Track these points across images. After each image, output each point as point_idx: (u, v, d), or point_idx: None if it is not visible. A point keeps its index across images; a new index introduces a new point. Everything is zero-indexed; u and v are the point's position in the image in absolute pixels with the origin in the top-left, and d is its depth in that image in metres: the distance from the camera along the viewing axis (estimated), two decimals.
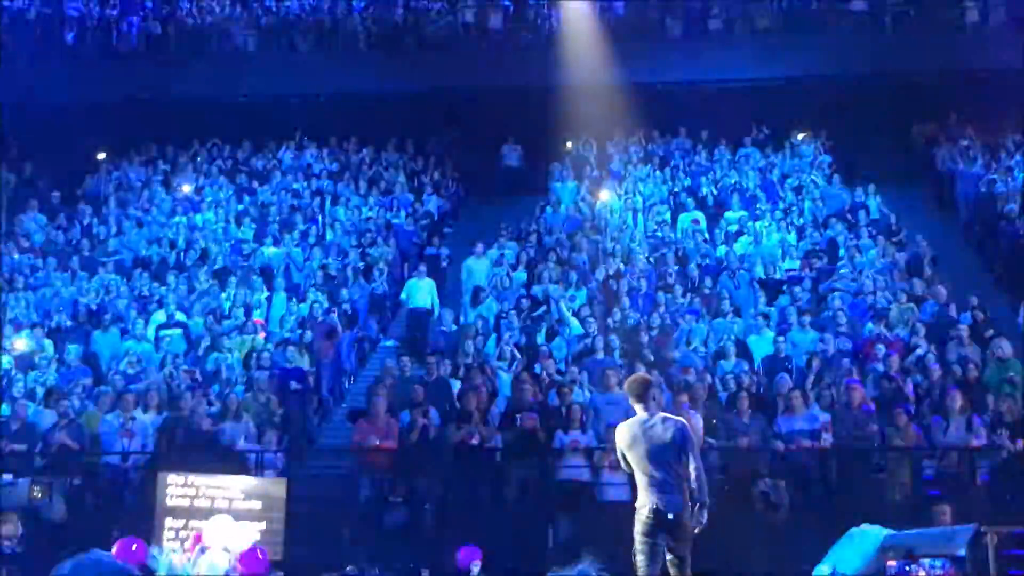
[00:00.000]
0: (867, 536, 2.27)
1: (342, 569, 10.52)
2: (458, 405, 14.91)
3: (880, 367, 15.13)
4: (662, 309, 17.52)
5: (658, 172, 23.40)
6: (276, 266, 19.99)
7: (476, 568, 10.15)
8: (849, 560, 2.25)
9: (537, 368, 15.88)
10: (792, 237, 20.30)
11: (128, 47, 25.88)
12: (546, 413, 14.51)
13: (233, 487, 12.33)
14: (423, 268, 19.30)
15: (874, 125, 23.52)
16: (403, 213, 22.41)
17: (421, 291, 18.84)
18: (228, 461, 13.80)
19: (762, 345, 16.37)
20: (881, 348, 15.45)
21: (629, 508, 13.63)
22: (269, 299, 18.80)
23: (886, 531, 2.35)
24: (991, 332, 16.05)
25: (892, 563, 2.40)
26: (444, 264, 20.66)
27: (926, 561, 2.37)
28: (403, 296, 19.15)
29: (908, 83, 23.47)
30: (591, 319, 17.11)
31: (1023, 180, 21.38)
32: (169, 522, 11.83)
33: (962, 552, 2.33)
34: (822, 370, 15.19)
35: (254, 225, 21.87)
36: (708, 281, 18.40)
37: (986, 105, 23.14)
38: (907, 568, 2.34)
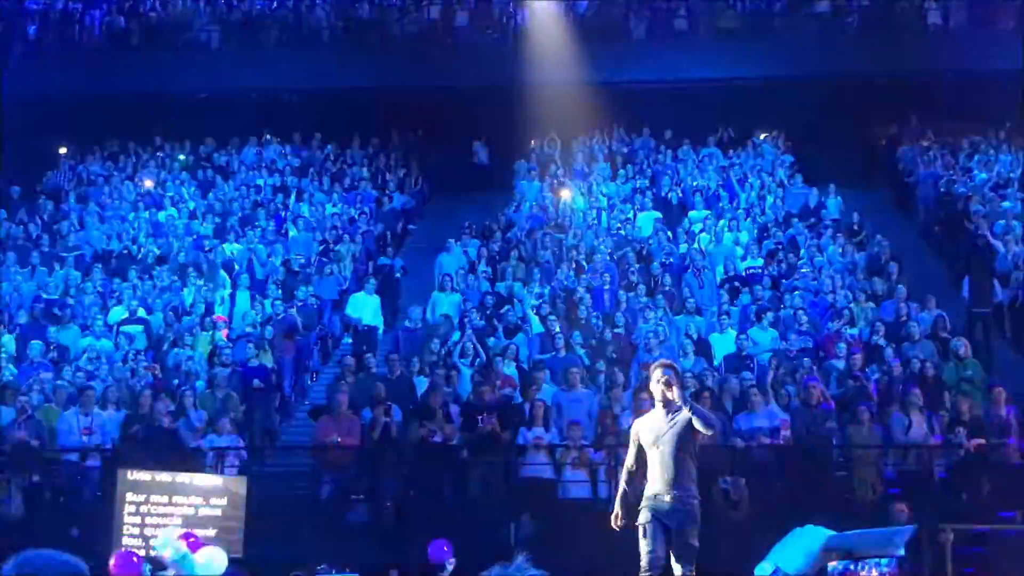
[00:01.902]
0: (809, 536, 2.29)
1: (305, 566, 10.48)
2: (421, 403, 14.90)
3: (841, 365, 15.25)
4: (624, 307, 17.57)
5: (621, 171, 23.47)
6: (239, 262, 19.89)
7: (450, 566, 10.10)
8: (791, 559, 2.26)
9: (499, 365, 15.89)
10: (749, 236, 20.39)
11: (91, 41, 25.69)
12: (508, 410, 14.53)
13: (193, 485, 12.26)
14: (372, 281, 18.90)
15: (836, 126, 23.70)
16: (367, 209, 22.34)
17: (368, 307, 18.47)
18: (188, 458, 13.72)
19: (723, 343, 16.45)
20: (843, 347, 15.57)
21: (591, 505, 13.81)
22: (232, 296, 18.69)
23: (828, 531, 2.38)
24: (950, 331, 16.22)
25: (834, 563, 2.42)
26: (398, 275, 20.09)
27: (871, 561, 2.39)
28: (348, 310, 18.63)
29: (870, 84, 23.68)
30: (553, 317, 17.14)
31: (982, 181, 21.62)
32: (128, 519, 11.76)
33: (901, 552, 2.35)
34: (782, 368, 15.29)
35: (217, 220, 21.76)
36: (668, 279, 18.46)
37: (947, 107, 23.39)
38: (850, 568, 2.36)
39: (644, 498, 7.71)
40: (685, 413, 7.57)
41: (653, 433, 7.64)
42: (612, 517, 7.87)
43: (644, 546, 7.66)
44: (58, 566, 2.67)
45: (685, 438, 7.59)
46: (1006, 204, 20.43)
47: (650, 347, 15.80)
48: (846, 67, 23.61)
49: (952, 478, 13.53)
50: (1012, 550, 11.67)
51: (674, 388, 7.57)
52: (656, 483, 7.62)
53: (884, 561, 2.38)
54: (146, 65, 24.51)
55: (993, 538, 11.84)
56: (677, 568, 7.56)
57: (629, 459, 7.85)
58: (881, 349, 15.64)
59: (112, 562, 8.28)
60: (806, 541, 2.34)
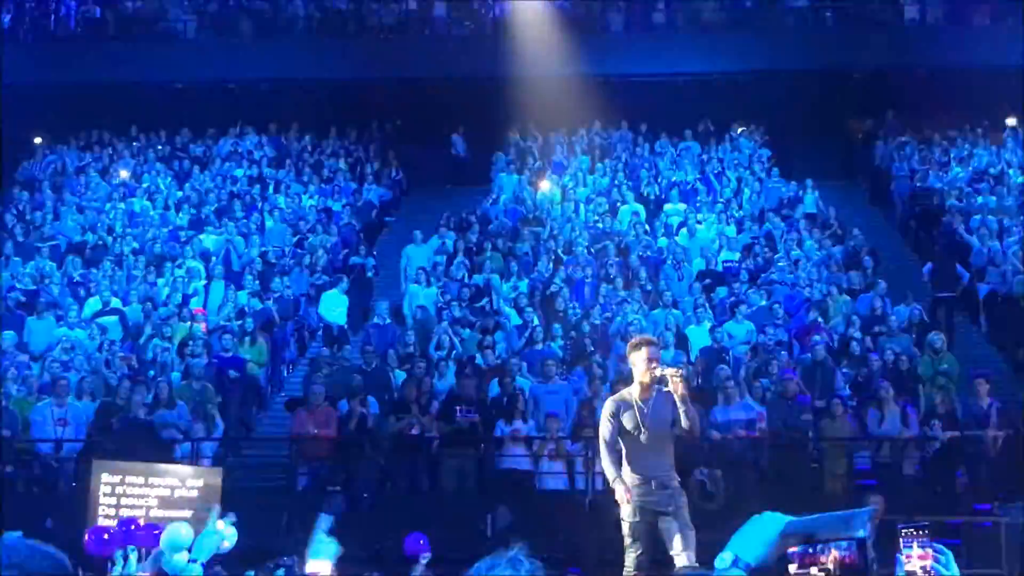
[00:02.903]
0: (768, 522, 2.30)
1: (277, 557, 10.43)
2: (397, 395, 14.88)
3: (810, 356, 15.29)
4: (603, 300, 17.59)
5: (599, 164, 23.47)
6: (215, 253, 19.80)
7: (424, 560, 10.10)
8: (751, 547, 2.26)
9: (477, 358, 15.89)
10: (731, 230, 20.45)
11: (66, 31, 25.50)
12: (486, 403, 14.54)
13: (169, 476, 12.22)
14: (345, 281, 18.76)
15: (813, 120, 23.77)
16: (343, 201, 22.28)
17: (339, 306, 18.33)
18: (164, 449, 13.67)
19: (700, 336, 16.49)
20: (817, 338, 15.61)
21: (568, 497, 13.83)
22: (207, 287, 18.61)
23: (786, 517, 2.39)
24: (926, 325, 16.31)
25: (794, 548, 2.43)
26: (370, 274, 19.93)
27: (831, 544, 2.39)
28: (321, 309, 18.42)
29: (847, 79, 23.77)
30: (530, 309, 17.14)
31: (958, 176, 21.74)
32: (103, 499, 11.71)
33: (861, 534, 2.36)
34: (757, 361, 15.34)
35: (192, 211, 21.66)
36: (644, 273, 18.48)
37: (923, 102, 23.49)
38: (810, 551, 2.38)
39: (631, 484, 7.47)
40: (666, 396, 7.38)
41: (634, 419, 7.43)
42: (621, 494, 7.43)
43: (631, 548, 7.46)
44: (41, 558, 2.64)
45: (668, 425, 7.42)
46: (981, 199, 20.55)
47: (628, 339, 15.79)
48: (823, 62, 23.68)
49: (926, 470, 13.61)
50: (986, 542, 11.74)
51: (680, 386, 7.33)
52: (639, 472, 7.42)
53: (844, 544, 2.38)
54: (122, 55, 24.35)
55: (967, 530, 11.91)
56: (683, 557, 7.18)
57: (613, 438, 7.50)
58: (857, 342, 15.69)
59: (86, 538, 8.24)
60: (764, 528, 2.35)
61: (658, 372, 7.43)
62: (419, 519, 11.64)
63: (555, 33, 23.61)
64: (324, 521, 6.02)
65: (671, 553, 7.30)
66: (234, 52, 24.68)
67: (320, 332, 18.27)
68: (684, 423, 7.34)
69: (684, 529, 7.26)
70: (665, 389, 7.43)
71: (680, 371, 7.49)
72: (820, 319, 16.52)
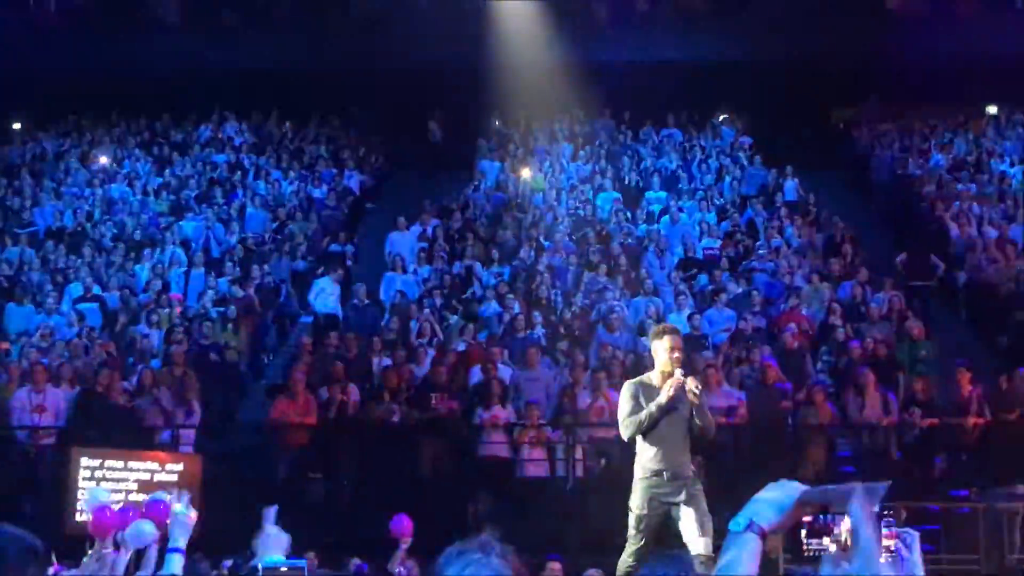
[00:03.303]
0: (784, 489, 2.33)
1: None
2: (379, 383, 14.85)
3: (786, 343, 15.32)
4: (584, 287, 17.60)
5: (582, 151, 23.46)
6: (195, 240, 19.73)
7: (405, 545, 10.10)
8: (766, 513, 2.29)
9: (458, 345, 15.87)
10: (712, 217, 20.47)
11: (47, 17, 25.33)
12: (466, 390, 14.53)
13: (148, 463, 12.17)
14: (339, 271, 18.60)
15: (794, 108, 23.82)
16: (325, 187, 22.20)
17: (332, 294, 18.11)
18: (143, 437, 13.63)
19: (680, 323, 16.50)
20: (793, 326, 15.64)
21: (548, 484, 13.85)
22: (187, 273, 18.55)
23: (803, 486, 2.42)
24: (904, 312, 16.36)
25: (808, 517, 2.46)
26: (350, 263, 19.74)
27: (843, 515, 2.42)
28: (311, 296, 18.18)
29: (829, 67, 23.77)
30: (511, 296, 17.13)
31: (938, 163, 21.81)
32: (83, 483, 11.66)
33: (876, 508, 2.38)
34: (736, 348, 15.37)
35: (172, 197, 21.58)
36: (624, 259, 18.49)
37: (904, 90, 23.57)
38: (822, 521, 2.40)
39: (640, 476, 7.41)
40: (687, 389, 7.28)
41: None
42: (670, 388, 7.30)
43: (635, 540, 7.36)
44: (18, 541, 2.64)
45: (686, 416, 7.39)
46: (961, 187, 20.62)
47: (610, 326, 15.85)
48: (805, 49, 23.69)
49: (905, 457, 13.67)
50: (963, 527, 11.82)
51: (698, 391, 7.30)
52: (656, 459, 7.34)
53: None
54: (102, 42, 24.22)
55: (945, 516, 11.98)
56: (700, 543, 7.16)
57: (634, 413, 7.38)
58: (836, 329, 15.74)
59: (91, 518, 8.17)
60: (781, 495, 2.37)
61: (679, 374, 7.35)
62: (400, 507, 11.62)
63: (538, 20, 23.58)
64: (270, 514, 6.01)
65: (685, 540, 7.24)
66: (215, 39, 24.57)
67: (310, 320, 18.25)
68: (698, 422, 7.37)
69: (701, 516, 7.25)
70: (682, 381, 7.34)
71: (696, 382, 7.40)
72: (799, 306, 16.55)
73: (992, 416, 13.53)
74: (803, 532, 2.81)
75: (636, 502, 7.35)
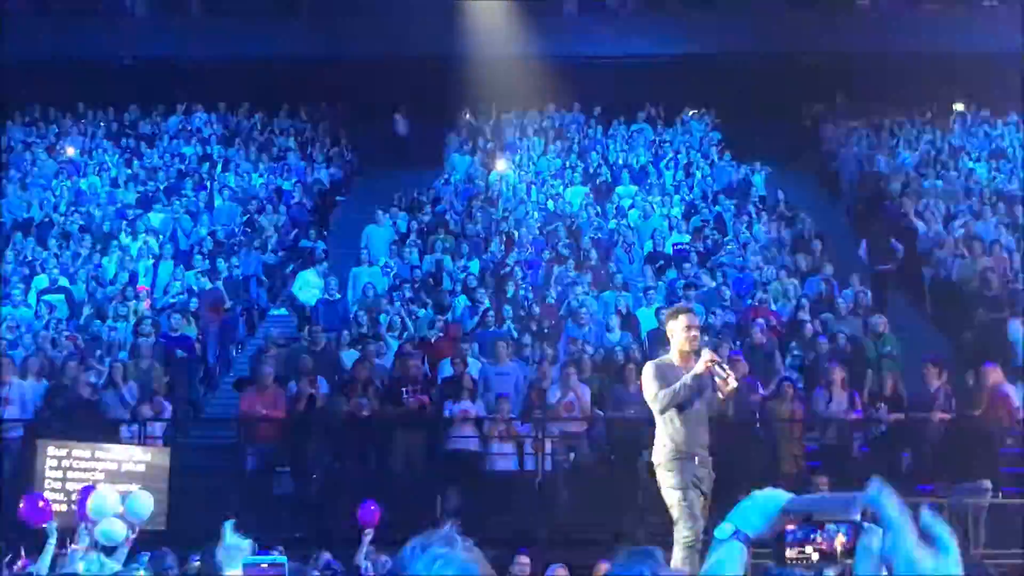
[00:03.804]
0: (769, 498, 2.34)
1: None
2: (348, 376, 14.81)
3: (750, 339, 15.38)
4: (554, 281, 17.62)
5: (552, 145, 23.47)
6: (163, 232, 19.60)
7: (368, 537, 10.10)
8: (751, 521, 2.30)
9: (428, 339, 15.86)
10: (681, 212, 20.52)
11: (12, 5, 25.06)
12: (435, 384, 14.53)
13: (115, 456, 12.10)
14: (325, 264, 18.55)
15: (763, 103, 23.88)
16: (294, 180, 22.09)
17: (315, 287, 18.02)
18: (111, 430, 13.54)
19: (649, 318, 16.56)
20: (762, 322, 15.71)
21: (517, 478, 13.86)
22: (155, 265, 18.43)
23: (787, 494, 2.44)
24: (870, 308, 16.47)
25: (792, 527, 2.46)
26: (319, 259, 19.21)
27: (831, 527, 2.42)
28: (295, 289, 18.17)
29: (798, 63, 23.88)
30: (482, 290, 17.12)
31: (905, 160, 21.96)
32: (50, 473, 11.59)
33: (857, 519, 2.40)
34: (705, 343, 15.39)
35: (141, 189, 21.43)
36: (594, 254, 18.52)
37: (872, 86, 23.71)
38: (810, 535, 2.40)
39: (676, 456, 7.20)
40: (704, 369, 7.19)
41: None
42: (704, 363, 7.19)
43: (689, 519, 7.13)
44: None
45: (711, 396, 7.34)
46: (928, 183, 20.77)
47: (579, 321, 15.89)
48: (775, 45, 23.80)
49: (872, 452, 13.76)
50: None
51: (725, 368, 7.18)
52: (690, 441, 7.20)
53: (844, 528, 2.42)
54: (69, 31, 24.01)
55: (910, 511, 12.06)
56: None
57: (671, 403, 7.22)
58: (805, 324, 15.82)
59: (21, 505, 8.12)
60: (765, 503, 2.38)
61: (687, 340, 7.27)
62: (370, 499, 11.62)
63: (508, 13, 23.55)
64: (227, 526, 6.00)
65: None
66: (183, 29, 24.43)
67: (287, 309, 18.19)
68: (721, 395, 7.30)
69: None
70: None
71: (714, 356, 7.31)
72: (767, 301, 16.63)
73: (958, 412, 13.64)
74: (786, 540, 2.82)
75: (676, 481, 7.14)
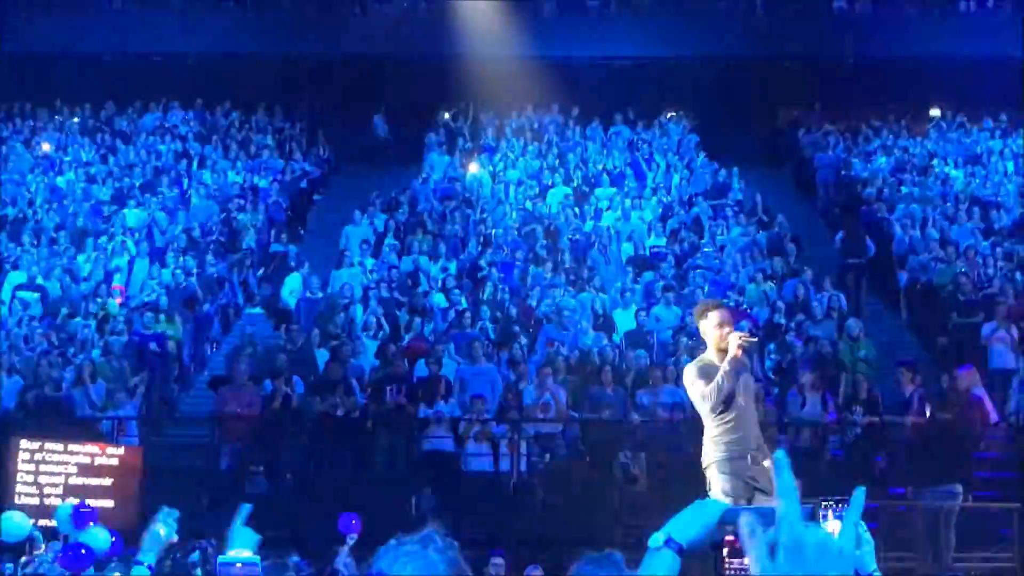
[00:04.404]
0: (708, 508, 2.31)
1: (196, 540, 10.32)
2: (322, 375, 14.78)
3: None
4: (531, 282, 17.62)
5: (531, 147, 23.45)
6: (138, 230, 19.49)
7: (351, 541, 10.05)
8: (686, 530, 2.27)
9: (404, 339, 15.83)
10: (658, 214, 20.53)
11: None
12: (411, 384, 14.50)
13: (87, 457, 12.02)
14: (307, 266, 18.43)
15: (741, 107, 23.97)
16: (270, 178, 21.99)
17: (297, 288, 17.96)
18: (83, 428, 13.47)
19: (628, 319, 16.58)
20: (746, 322, 15.75)
21: (492, 479, 13.86)
22: (130, 263, 18.33)
23: (725, 504, 2.39)
24: (845, 312, 16.54)
25: (730, 537, 2.44)
26: (292, 264, 19.04)
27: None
28: (285, 292, 18.01)
29: (776, 66, 23.99)
30: (458, 291, 17.10)
31: (881, 165, 22.05)
32: (21, 476, 11.52)
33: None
34: (681, 345, 15.44)
35: (116, 185, 21.31)
36: (570, 256, 18.54)
37: (849, 91, 23.81)
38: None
39: (729, 457, 6.70)
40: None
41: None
42: (736, 347, 6.79)
43: None
44: None
45: (756, 387, 7.14)
46: (905, 189, 20.87)
47: (556, 322, 15.90)
48: (754, 50, 23.90)
49: (846, 455, 13.81)
50: (902, 525, 11.97)
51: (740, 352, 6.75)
52: (742, 441, 6.72)
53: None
54: (45, 25, 23.85)
55: (884, 513, 12.11)
56: None
57: (719, 400, 6.76)
58: (781, 327, 15.87)
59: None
60: (704, 513, 2.36)
61: (720, 338, 6.85)
62: (342, 501, 11.58)
63: (488, 14, 23.54)
64: (243, 510, 5.94)
65: None
66: (161, 24, 24.29)
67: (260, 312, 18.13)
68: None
69: None
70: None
71: (745, 335, 6.92)
72: (743, 304, 16.67)
73: (932, 416, 13.70)
74: (724, 551, 2.82)
75: (729, 487, 6.63)
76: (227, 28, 24.23)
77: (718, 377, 6.74)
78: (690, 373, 6.97)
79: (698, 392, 6.83)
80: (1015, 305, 16.14)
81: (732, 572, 2.92)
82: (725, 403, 6.74)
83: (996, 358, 15.19)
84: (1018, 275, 17.44)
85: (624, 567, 2.80)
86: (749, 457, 6.69)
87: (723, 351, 6.80)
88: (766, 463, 6.62)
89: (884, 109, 24.38)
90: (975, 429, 13.71)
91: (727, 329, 6.86)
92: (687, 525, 2.78)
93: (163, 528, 5.26)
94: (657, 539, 2.75)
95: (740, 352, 6.77)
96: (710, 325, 6.94)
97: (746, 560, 2.88)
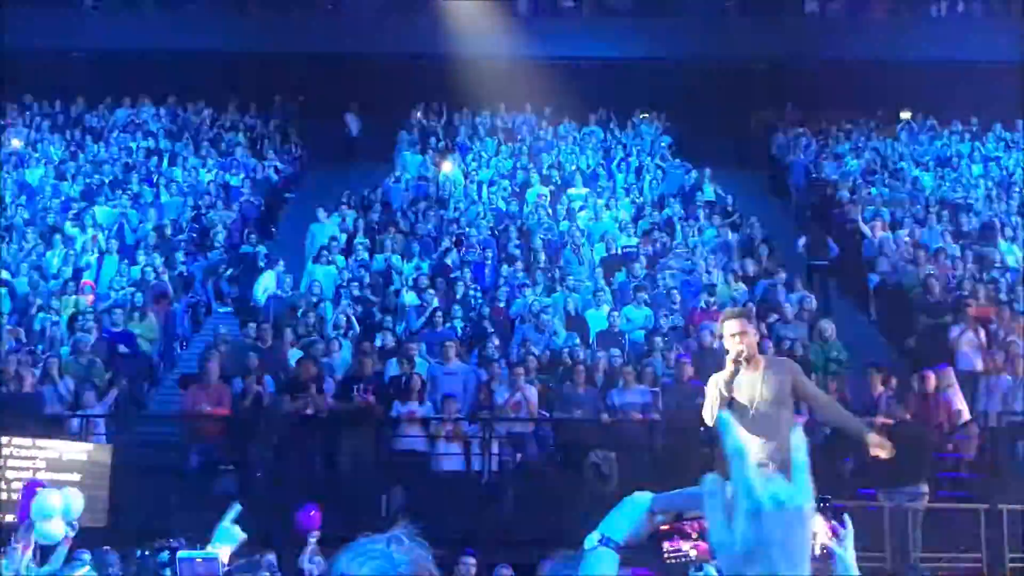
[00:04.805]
0: (635, 501, 2.34)
1: (165, 538, 10.28)
2: (293, 374, 14.71)
3: (696, 342, 15.45)
4: (504, 282, 17.62)
5: (504, 146, 23.46)
6: (108, 226, 19.37)
7: (314, 539, 10.02)
8: (618, 526, 2.30)
9: (375, 338, 15.79)
10: (631, 215, 20.58)
11: None
12: (382, 383, 14.46)
13: (55, 452, 11.94)
14: (281, 262, 18.33)
15: (714, 108, 24.06)
16: (242, 176, 21.89)
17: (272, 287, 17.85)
18: (51, 425, 13.37)
19: (599, 319, 16.60)
20: (711, 325, 15.77)
21: (464, 478, 13.85)
22: (99, 260, 18.21)
23: (650, 495, 2.43)
24: (816, 313, 16.61)
25: (666, 527, 2.46)
26: (262, 264, 18.79)
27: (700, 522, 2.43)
28: (258, 291, 17.79)
29: (748, 68, 24.10)
30: (431, 291, 17.07)
31: (852, 167, 22.18)
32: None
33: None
34: (653, 345, 15.48)
35: (86, 181, 21.17)
36: (545, 256, 18.54)
37: (821, 93, 23.95)
38: (681, 526, 2.42)
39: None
40: (775, 371, 6.89)
41: (748, 393, 6.86)
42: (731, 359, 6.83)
43: None
44: None
45: (777, 403, 6.84)
46: (875, 191, 21.00)
47: (528, 322, 15.91)
48: (725, 51, 23.99)
49: (815, 456, 13.84)
50: (871, 526, 12.03)
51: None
52: (757, 449, 6.56)
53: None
54: (15, 21, 23.62)
55: (853, 514, 12.17)
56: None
57: (714, 413, 6.85)
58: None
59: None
60: (632, 507, 2.38)
61: (735, 351, 6.87)
62: (313, 500, 11.56)
63: (461, 13, 23.53)
64: (233, 510, 5.94)
65: None
66: (133, 21, 24.16)
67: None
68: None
69: None
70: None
71: (742, 351, 6.87)
72: (715, 305, 16.71)
73: (900, 417, 13.78)
74: (663, 540, 2.83)
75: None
76: (199, 25, 24.11)
77: (714, 393, 6.95)
78: (710, 382, 7.13)
79: (705, 403, 7.09)
80: (983, 307, 16.27)
81: (671, 558, 2.93)
82: (724, 410, 6.73)
83: (963, 360, 15.30)
84: (986, 277, 17.59)
85: None
86: (771, 465, 6.30)
87: (736, 362, 6.89)
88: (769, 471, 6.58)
89: (855, 111, 24.54)
90: (943, 430, 13.82)
91: (737, 339, 6.89)
92: (618, 521, 2.79)
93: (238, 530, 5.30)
94: (592, 539, 2.76)
95: (733, 365, 6.85)
96: (725, 334, 7.03)
97: (684, 546, 2.90)
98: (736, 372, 6.85)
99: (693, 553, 2.86)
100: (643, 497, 2.81)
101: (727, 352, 7.01)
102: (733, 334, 6.95)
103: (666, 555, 2.91)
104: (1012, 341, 15.00)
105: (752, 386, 6.86)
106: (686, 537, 2.86)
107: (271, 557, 10.21)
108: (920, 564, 11.62)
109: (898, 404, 13.64)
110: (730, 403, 6.83)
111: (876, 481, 12.85)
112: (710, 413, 7.02)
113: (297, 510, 10.16)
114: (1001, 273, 17.74)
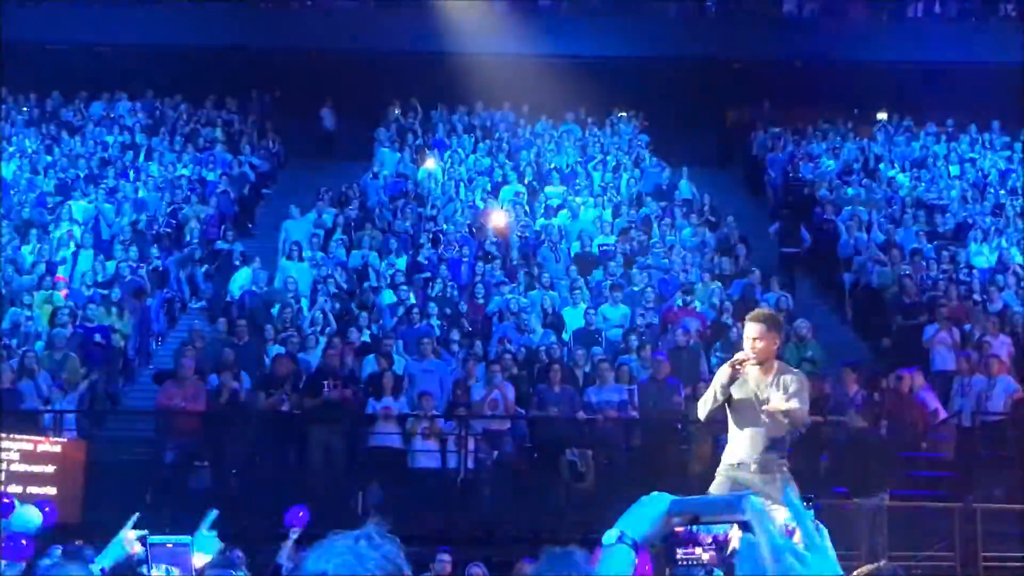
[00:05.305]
0: (655, 502, 2.36)
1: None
2: (269, 371, 14.66)
3: (674, 341, 15.48)
4: (480, 280, 17.61)
5: (481, 144, 23.43)
6: (84, 222, 19.25)
7: (294, 535, 9.99)
8: (637, 525, 2.31)
9: (351, 334, 15.75)
10: (608, 213, 20.61)
11: None
12: (358, 380, 14.44)
13: (29, 447, 11.87)
14: (257, 259, 18.21)
15: (692, 107, 24.10)
16: (219, 171, 21.79)
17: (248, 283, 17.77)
18: (25, 420, 13.29)
19: (576, 317, 16.61)
20: (689, 321, 15.82)
21: (440, 475, 13.84)
22: (75, 255, 18.10)
23: (672, 496, 2.45)
24: (792, 312, 16.66)
25: (680, 529, 2.49)
26: (237, 263, 18.39)
27: (713, 527, 2.45)
28: (235, 286, 17.73)
29: (726, 68, 24.15)
30: (407, 288, 17.04)
31: (829, 167, 22.27)
32: None
33: (746, 517, 2.39)
34: (629, 343, 15.50)
35: (61, 176, 21.03)
36: (520, 253, 18.55)
37: (798, 93, 24.05)
38: (696, 531, 2.43)
39: (727, 462, 6.89)
40: (784, 377, 6.82)
41: (752, 393, 6.83)
42: (729, 366, 6.80)
43: None
44: None
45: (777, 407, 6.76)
46: (851, 191, 21.08)
47: (505, 319, 15.91)
48: (703, 50, 24.02)
49: (790, 454, 13.90)
50: (844, 524, 12.08)
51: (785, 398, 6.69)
52: (740, 450, 6.83)
53: (722, 528, 2.42)
54: None
55: (827, 513, 12.22)
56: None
57: (707, 408, 6.95)
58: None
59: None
60: (651, 507, 2.40)
61: (741, 354, 6.85)
62: (288, 496, 11.52)
63: (438, 10, 23.48)
64: (209, 516, 5.92)
65: None
66: (109, 14, 23.98)
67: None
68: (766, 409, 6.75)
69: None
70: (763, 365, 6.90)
71: (745, 357, 6.82)
72: (691, 303, 16.76)
73: (875, 417, 13.87)
74: (675, 543, 2.85)
75: (716, 490, 6.78)
76: (176, 20, 23.97)
77: (708, 393, 6.96)
78: (717, 375, 7.10)
79: (702, 397, 7.11)
80: (957, 307, 16.37)
81: (683, 561, 2.93)
82: (720, 410, 6.89)
83: (938, 360, 15.39)
84: (960, 277, 17.69)
85: (583, 564, 2.81)
86: (753, 465, 6.79)
87: (734, 366, 6.84)
88: (754, 477, 6.75)
89: (832, 112, 24.64)
90: (917, 430, 13.89)
91: (749, 343, 6.88)
92: (638, 520, 2.79)
93: (136, 546, 5.23)
94: (611, 536, 2.76)
95: (732, 368, 6.81)
96: (745, 335, 7.01)
97: (696, 551, 2.90)
98: (735, 375, 6.84)
99: (705, 557, 2.88)
100: (662, 498, 2.82)
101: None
102: (749, 337, 6.94)
103: (679, 560, 2.92)
104: (986, 341, 15.09)
105: (758, 387, 6.85)
106: (699, 543, 2.88)
107: (239, 552, 10.17)
108: (894, 563, 11.68)
109: (876, 407, 13.74)
110: (728, 401, 6.87)
111: (852, 480, 12.93)
112: (704, 407, 7.04)
113: (280, 510, 10.13)
114: (972, 273, 17.82)
